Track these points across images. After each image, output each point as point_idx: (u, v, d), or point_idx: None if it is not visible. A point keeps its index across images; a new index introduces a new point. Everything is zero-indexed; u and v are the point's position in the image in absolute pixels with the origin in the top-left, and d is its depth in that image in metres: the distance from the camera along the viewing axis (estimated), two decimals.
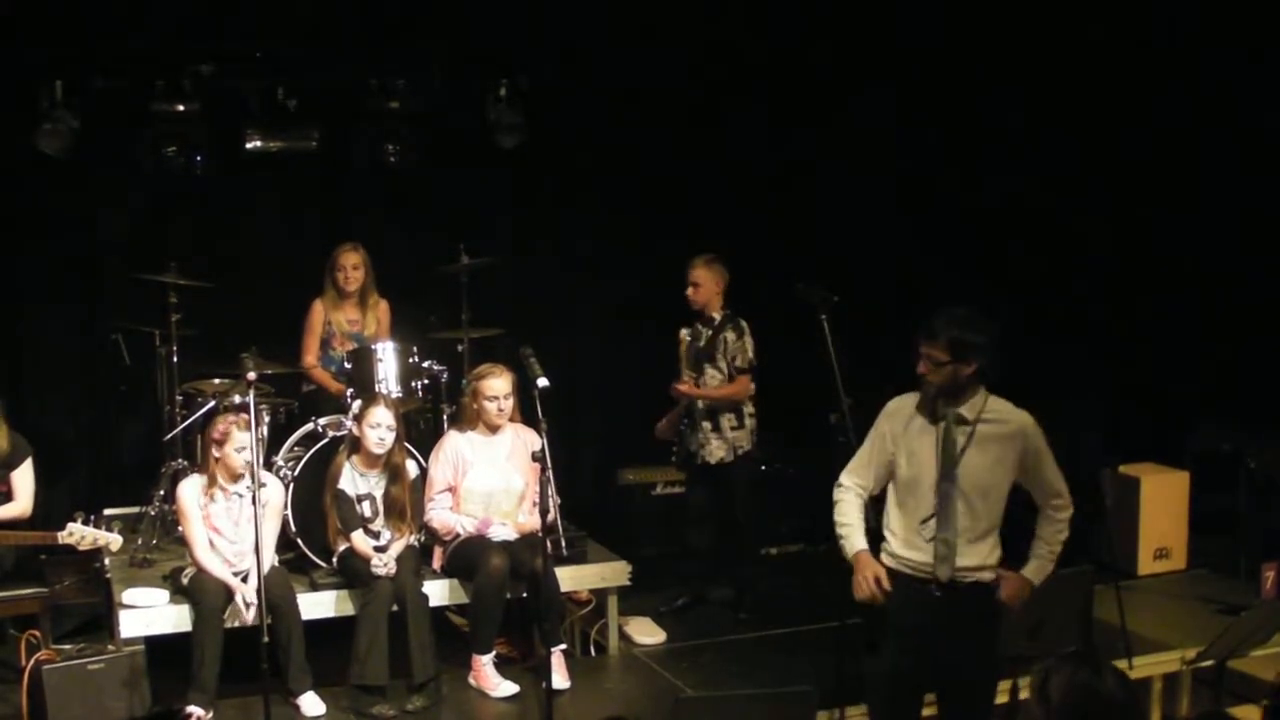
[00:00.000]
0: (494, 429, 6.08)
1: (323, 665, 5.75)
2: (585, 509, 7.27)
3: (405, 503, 5.97)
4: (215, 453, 5.66)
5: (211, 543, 5.66)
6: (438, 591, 6.03)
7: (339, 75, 7.62)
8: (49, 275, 7.54)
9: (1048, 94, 8.22)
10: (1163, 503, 7.30)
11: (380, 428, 5.89)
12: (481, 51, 7.75)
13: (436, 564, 6.12)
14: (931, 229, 8.38)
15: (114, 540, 5.48)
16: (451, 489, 6.05)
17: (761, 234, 8.14)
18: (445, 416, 6.84)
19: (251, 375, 5.38)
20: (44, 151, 7.03)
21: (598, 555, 6.47)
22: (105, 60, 7.21)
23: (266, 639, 5.12)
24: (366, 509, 5.96)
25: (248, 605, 5.52)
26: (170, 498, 6.49)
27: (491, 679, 5.84)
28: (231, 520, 5.69)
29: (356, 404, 6.17)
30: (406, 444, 6.16)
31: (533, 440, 5.78)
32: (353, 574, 5.86)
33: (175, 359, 6.87)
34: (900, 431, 4.52)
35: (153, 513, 6.66)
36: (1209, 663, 5.35)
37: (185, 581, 5.69)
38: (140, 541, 6.45)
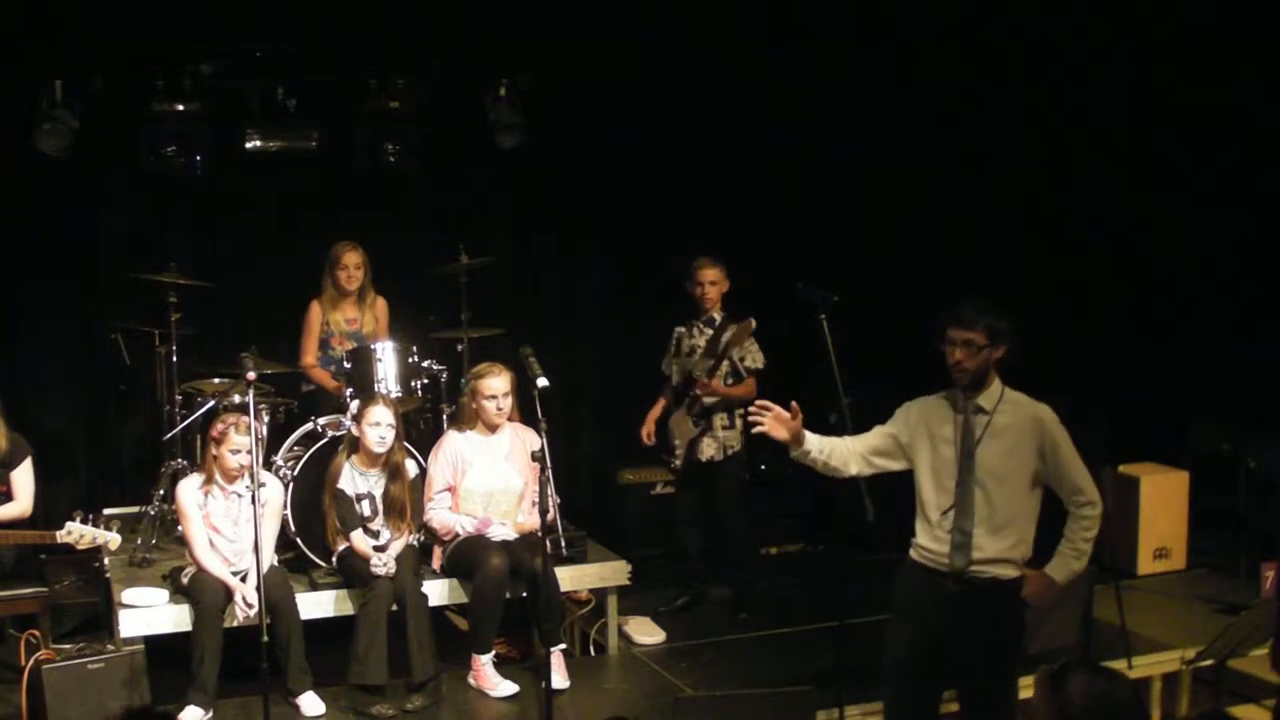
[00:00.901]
0: (493, 428, 6.08)
1: (323, 665, 5.75)
2: (585, 509, 7.28)
3: (405, 502, 5.97)
4: (214, 450, 5.68)
5: (211, 542, 5.66)
6: (437, 591, 6.03)
7: (339, 75, 7.62)
8: (49, 275, 7.54)
9: (1047, 92, 8.22)
10: (1163, 503, 7.30)
11: (380, 427, 5.89)
12: (481, 51, 7.75)
13: (436, 564, 6.12)
14: (931, 229, 8.38)
15: (112, 539, 5.48)
16: (451, 489, 6.05)
17: (762, 234, 8.13)
18: (445, 416, 6.84)
19: (251, 375, 5.38)
20: (44, 151, 7.03)
21: (597, 555, 6.46)
22: (105, 60, 7.22)
23: (266, 639, 5.11)
24: (366, 508, 5.96)
25: (247, 604, 5.52)
26: (170, 497, 6.49)
27: (491, 679, 5.84)
28: (231, 520, 5.70)
29: (355, 403, 6.18)
30: (406, 443, 6.16)
31: (532, 440, 5.78)
32: (352, 574, 5.86)
33: (175, 359, 6.87)
34: (919, 433, 4.56)
35: (152, 512, 6.66)
36: (1209, 663, 5.34)
37: (185, 581, 5.68)
38: (140, 541, 6.45)
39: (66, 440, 7.64)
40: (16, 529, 5.80)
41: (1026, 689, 4.69)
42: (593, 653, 6.47)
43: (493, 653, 5.91)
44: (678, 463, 6.80)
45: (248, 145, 7.45)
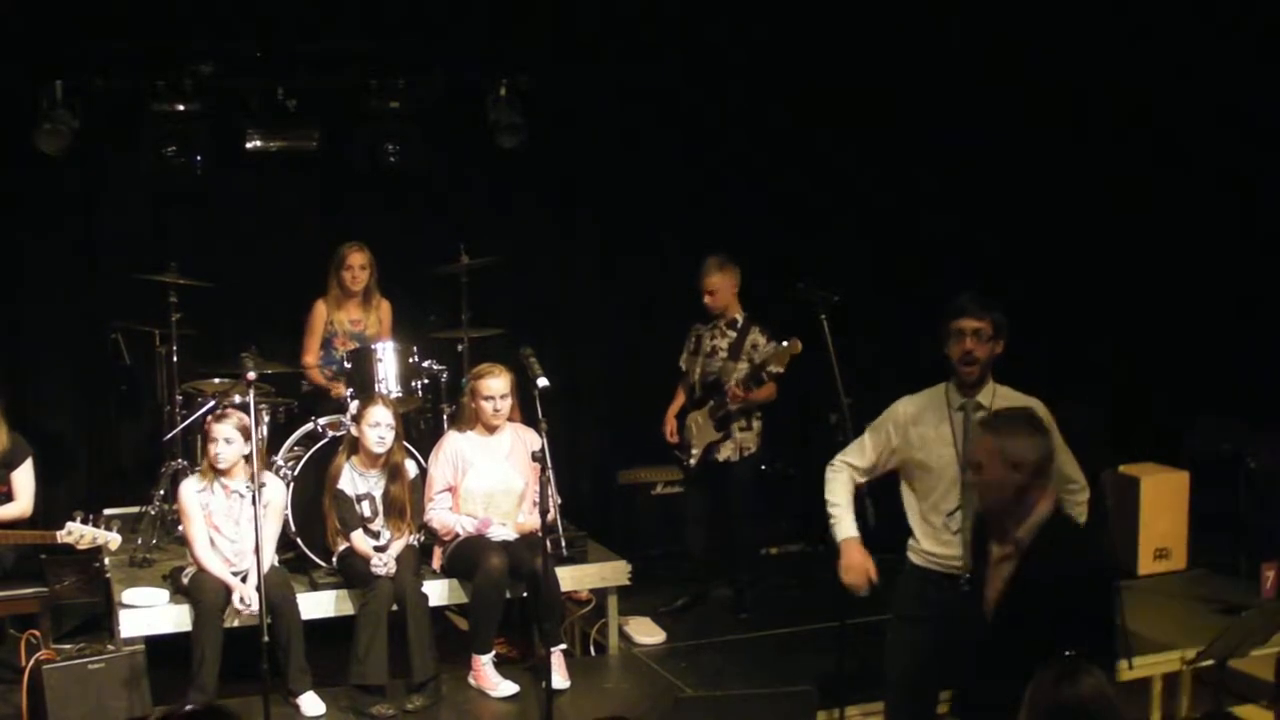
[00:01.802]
0: (492, 429, 6.08)
1: (323, 665, 5.76)
2: (585, 509, 7.27)
3: (405, 502, 5.97)
4: (207, 448, 5.71)
5: (212, 541, 5.67)
6: (438, 591, 6.03)
7: (339, 75, 7.61)
8: (49, 275, 7.53)
9: (1045, 93, 8.22)
10: (1163, 503, 7.29)
11: (379, 427, 5.89)
12: (481, 51, 7.74)
13: (436, 564, 6.12)
14: (930, 229, 8.38)
15: (112, 539, 5.48)
16: (451, 489, 6.05)
17: (762, 234, 8.13)
18: (445, 416, 6.84)
19: (251, 375, 5.39)
20: (44, 151, 7.03)
21: (598, 555, 6.47)
22: (105, 60, 7.21)
23: (266, 639, 5.11)
24: (366, 509, 5.96)
25: (245, 603, 5.52)
26: (170, 497, 6.50)
27: (491, 679, 5.84)
28: (232, 519, 5.70)
29: (355, 404, 6.18)
30: (406, 444, 6.16)
31: (532, 440, 5.78)
32: (352, 574, 5.86)
33: (175, 359, 6.87)
34: (910, 434, 4.54)
35: (153, 512, 6.66)
36: (1209, 663, 5.34)
37: (185, 581, 5.69)
38: (140, 541, 6.45)
39: (66, 440, 7.63)
40: (17, 529, 5.80)
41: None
42: (593, 653, 6.48)
43: (493, 653, 5.92)
44: (692, 462, 6.82)
45: (248, 145, 7.44)
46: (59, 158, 7.09)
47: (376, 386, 6.45)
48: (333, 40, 7.49)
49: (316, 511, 6.03)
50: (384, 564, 5.76)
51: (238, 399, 6.42)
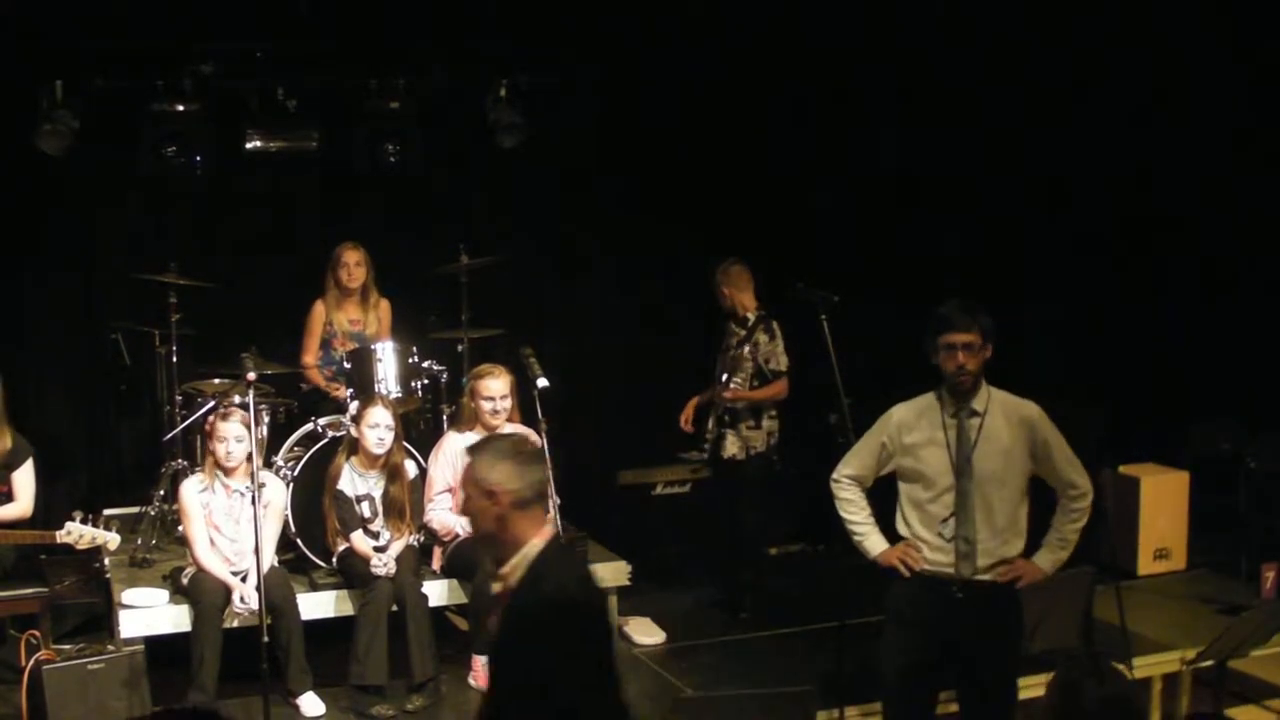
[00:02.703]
0: (492, 429, 6.07)
1: (323, 665, 5.76)
2: (585, 509, 7.27)
3: (404, 502, 5.97)
4: (210, 447, 5.71)
5: (212, 541, 5.67)
6: (437, 591, 6.03)
7: (339, 75, 7.61)
8: (49, 275, 7.53)
9: (1046, 94, 8.22)
10: (1163, 503, 7.30)
11: (379, 428, 5.89)
12: (481, 51, 7.74)
13: (436, 564, 6.12)
14: (929, 228, 8.37)
15: (112, 539, 5.48)
16: (451, 490, 6.05)
17: (762, 234, 8.12)
18: (445, 416, 6.84)
19: (251, 375, 5.39)
20: (44, 151, 7.03)
21: (597, 555, 6.47)
22: (105, 60, 7.21)
23: (266, 639, 5.11)
24: (366, 509, 5.96)
25: (244, 603, 5.52)
26: (170, 498, 6.50)
27: None
28: (232, 519, 5.70)
29: (355, 404, 6.17)
30: (406, 444, 6.16)
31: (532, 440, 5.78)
32: (352, 574, 5.86)
33: (175, 359, 6.88)
34: (905, 441, 4.53)
35: (153, 513, 6.66)
36: (1209, 663, 5.34)
37: (185, 581, 5.69)
38: (140, 541, 6.46)
39: (66, 440, 7.63)
40: (17, 529, 5.80)
41: (1026, 689, 4.71)
42: None
43: None
44: (704, 455, 6.94)
45: (248, 145, 7.44)
46: (59, 158, 7.09)
47: (376, 387, 6.45)
48: (333, 40, 7.49)
49: (316, 512, 6.03)
50: (384, 564, 5.76)
51: (237, 399, 6.42)
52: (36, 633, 5.82)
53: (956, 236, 8.32)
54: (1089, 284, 8.46)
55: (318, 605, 5.91)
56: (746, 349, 6.68)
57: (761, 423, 6.78)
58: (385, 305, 7.10)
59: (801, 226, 8.32)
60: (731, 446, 6.77)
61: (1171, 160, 8.15)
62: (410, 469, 6.09)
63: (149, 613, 5.73)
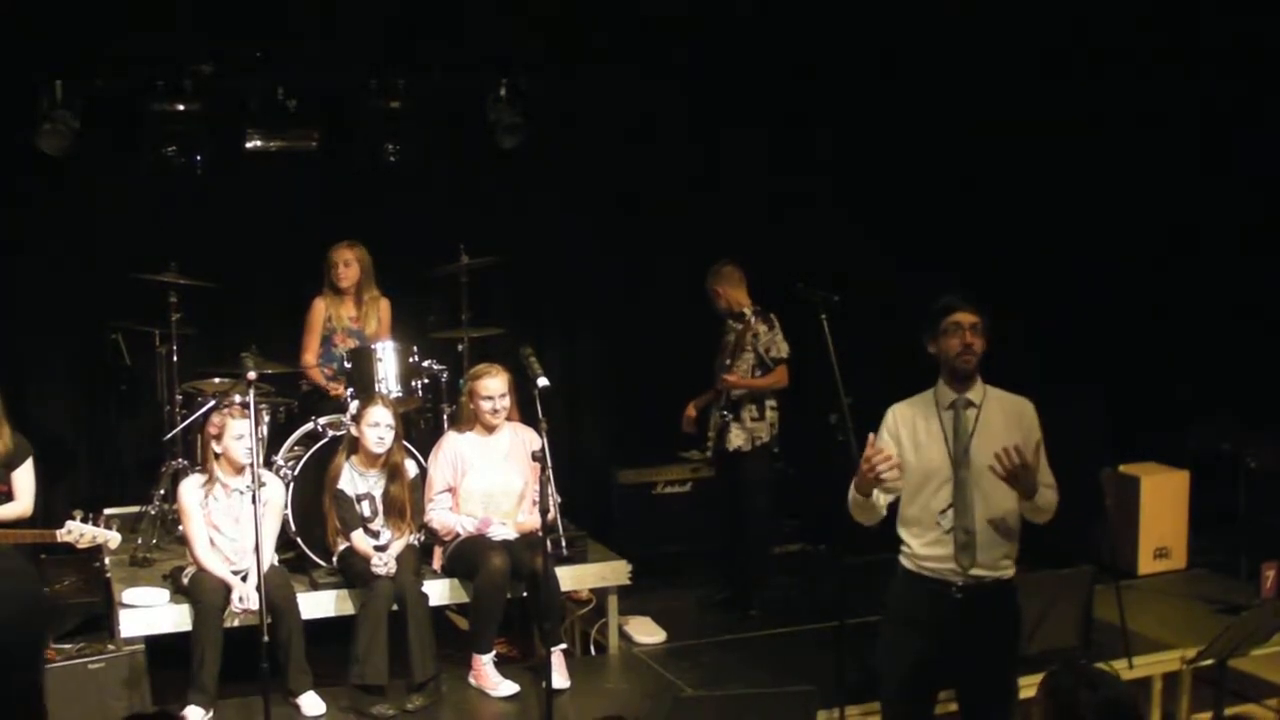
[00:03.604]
0: (491, 429, 6.08)
1: (323, 665, 5.76)
2: (585, 509, 7.27)
3: (405, 502, 5.97)
4: (215, 448, 5.69)
5: (212, 541, 5.66)
6: (438, 591, 6.03)
7: (339, 75, 7.61)
8: (49, 275, 7.53)
9: (1044, 95, 8.22)
10: (1163, 502, 7.30)
11: (379, 427, 5.89)
12: (481, 51, 7.74)
13: (436, 564, 6.12)
14: (929, 229, 8.38)
15: (112, 538, 5.48)
16: (451, 489, 6.05)
17: (762, 234, 8.13)
18: (445, 416, 6.84)
19: (251, 375, 5.38)
20: (44, 151, 7.03)
21: (598, 555, 6.47)
22: (105, 60, 7.21)
23: (266, 639, 5.11)
24: (366, 509, 5.96)
25: (244, 602, 5.52)
26: (170, 497, 6.50)
27: (491, 678, 5.84)
28: (232, 518, 5.70)
29: (355, 404, 6.17)
30: (406, 443, 6.16)
31: (532, 440, 5.78)
32: (353, 574, 5.86)
33: (175, 359, 6.87)
34: (903, 437, 4.53)
35: (153, 512, 6.66)
36: (1209, 662, 5.34)
37: (185, 581, 5.69)
38: (140, 541, 6.45)
39: (66, 440, 7.62)
40: (17, 529, 5.80)
41: (1026, 689, 4.71)
42: (593, 652, 6.47)
43: (493, 652, 5.92)
44: (705, 455, 6.98)
45: (248, 145, 7.44)
46: (59, 158, 7.09)
47: (376, 386, 6.45)
48: (334, 40, 7.49)
49: (316, 511, 6.03)
50: (384, 564, 5.76)
51: (238, 399, 6.42)
52: None
53: (956, 236, 8.33)
54: (1089, 284, 8.46)
55: (318, 605, 5.91)
56: (749, 336, 6.70)
57: (764, 413, 6.81)
58: (385, 304, 7.10)
59: (802, 226, 8.33)
60: (736, 438, 6.78)
61: (1172, 160, 8.15)
62: (410, 468, 6.09)
63: (149, 612, 5.73)
